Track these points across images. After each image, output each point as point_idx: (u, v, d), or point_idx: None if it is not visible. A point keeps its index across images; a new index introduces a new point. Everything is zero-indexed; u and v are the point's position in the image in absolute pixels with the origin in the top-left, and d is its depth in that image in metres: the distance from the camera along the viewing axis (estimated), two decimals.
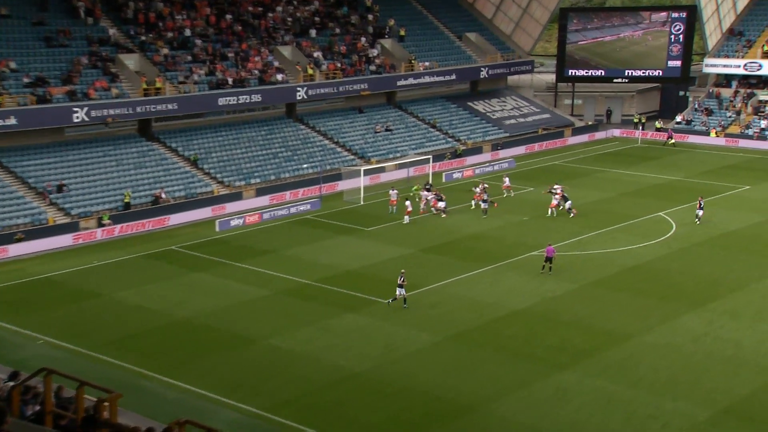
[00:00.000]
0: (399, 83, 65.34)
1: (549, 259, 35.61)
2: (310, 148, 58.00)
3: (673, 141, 67.49)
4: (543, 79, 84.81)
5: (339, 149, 59.57)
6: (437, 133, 66.35)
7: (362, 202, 50.07)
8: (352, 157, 58.91)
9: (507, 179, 50.52)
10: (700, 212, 46.10)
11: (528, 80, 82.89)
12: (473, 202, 46.78)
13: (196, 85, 53.91)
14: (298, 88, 58.17)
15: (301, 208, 47.95)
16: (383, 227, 44.43)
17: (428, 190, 47.36)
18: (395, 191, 47.27)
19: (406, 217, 45.04)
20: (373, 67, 64.85)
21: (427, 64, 68.22)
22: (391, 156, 60.13)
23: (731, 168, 58.38)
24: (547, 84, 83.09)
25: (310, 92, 58.93)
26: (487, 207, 45.93)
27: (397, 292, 31.69)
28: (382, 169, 56.48)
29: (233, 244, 41.38)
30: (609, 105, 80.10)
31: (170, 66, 54.33)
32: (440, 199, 46.31)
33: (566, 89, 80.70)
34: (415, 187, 51.15)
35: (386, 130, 63.77)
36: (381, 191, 52.95)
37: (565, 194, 46.43)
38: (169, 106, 51.35)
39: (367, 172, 53.67)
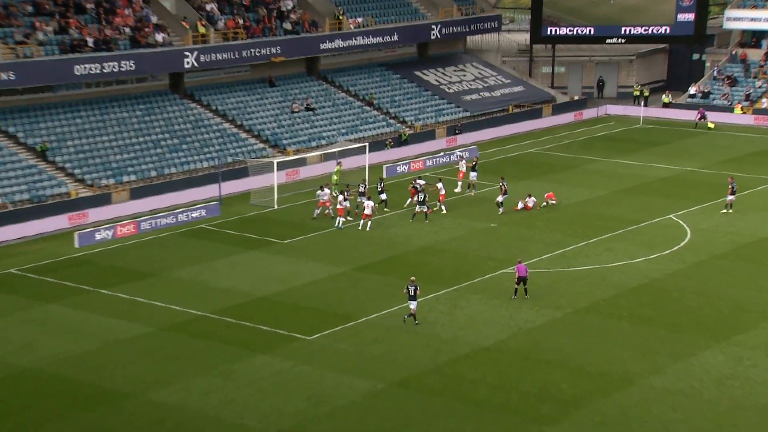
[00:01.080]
0: (323, 46, 65.53)
1: (522, 280, 36.09)
2: (203, 134, 57.74)
3: (707, 122, 68.16)
4: (514, 39, 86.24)
5: (244, 135, 59.42)
6: (375, 112, 66.68)
7: (276, 206, 50.00)
8: (262, 145, 58.84)
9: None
10: (731, 198, 47.85)
11: (494, 42, 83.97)
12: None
13: (42, 47, 52.79)
14: (186, 53, 57.71)
15: (194, 215, 47.64)
16: (306, 238, 44.45)
17: (362, 194, 47.65)
18: (326, 191, 47.41)
19: (340, 219, 45.21)
20: (287, 25, 64.80)
21: (359, 20, 68.51)
22: (314, 144, 60.22)
23: (762, 155, 60.21)
24: (520, 46, 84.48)
25: (202, 58, 58.52)
26: (423, 210, 46.22)
27: (412, 306, 33.49)
28: (302, 162, 56.47)
29: (99, 264, 40.78)
30: (601, 74, 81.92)
31: (2, 20, 52.89)
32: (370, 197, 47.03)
33: (544, 53, 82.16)
34: (336, 173, 51.56)
35: (307, 109, 63.74)
36: (302, 191, 52.82)
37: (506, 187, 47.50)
38: (3, 76, 50.15)
39: (282, 166, 53.60)
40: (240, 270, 40.14)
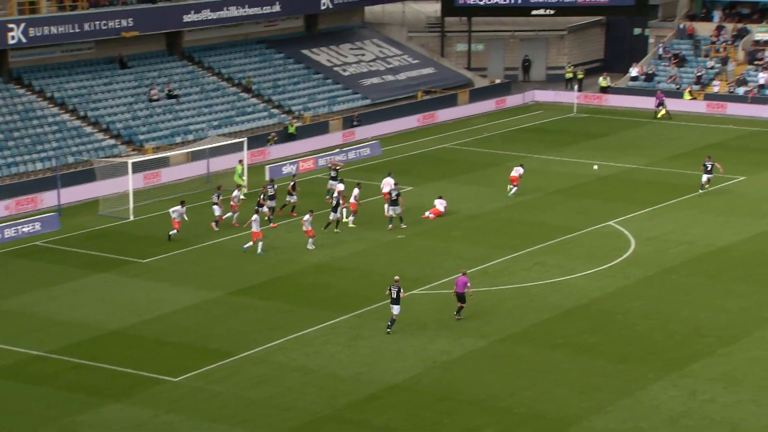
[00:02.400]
0: (186, 18, 65.13)
1: (459, 297, 36.68)
2: (36, 128, 56.70)
3: (665, 111, 69.85)
4: (421, 11, 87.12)
5: (89, 129, 58.56)
6: (254, 100, 66.45)
7: (132, 217, 49.48)
8: (112, 142, 58.08)
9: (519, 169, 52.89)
10: (706, 177, 50.96)
11: (398, 14, 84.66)
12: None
13: None
14: (11, 26, 56.49)
15: (26, 230, 46.75)
16: (170, 257, 44.08)
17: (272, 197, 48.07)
18: (237, 193, 47.93)
19: (172, 233, 45.02)
20: None
21: None
22: (178, 140, 59.72)
23: (717, 148, 61.66)
24: (429, 19, 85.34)
25: (31, 32, 57.42)
26: (339, 218, 46.64)
27: (394, 311, 35.31)
28: (163, 162, 55.90)
29: None
30: (526, 52, 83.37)
31: None
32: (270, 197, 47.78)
33: (459, 28, 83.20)
34: (238, 174, 51.65)
35: (169, 96, 63.16)
36: (166, 198, 52.39)
37: (395, 192, 47.54)
38: None
39: (139, 167, 52.96)
40: (87, 297, 39.46)
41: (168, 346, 35.06)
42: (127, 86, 62.80)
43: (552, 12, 78.53)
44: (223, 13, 66.60)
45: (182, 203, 46.46)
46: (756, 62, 74.83)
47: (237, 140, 55.93)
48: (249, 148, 56.16)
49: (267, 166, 56.73)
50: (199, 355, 34.25)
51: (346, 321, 37.11)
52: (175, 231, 45.56)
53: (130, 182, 50.14)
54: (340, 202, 46.87)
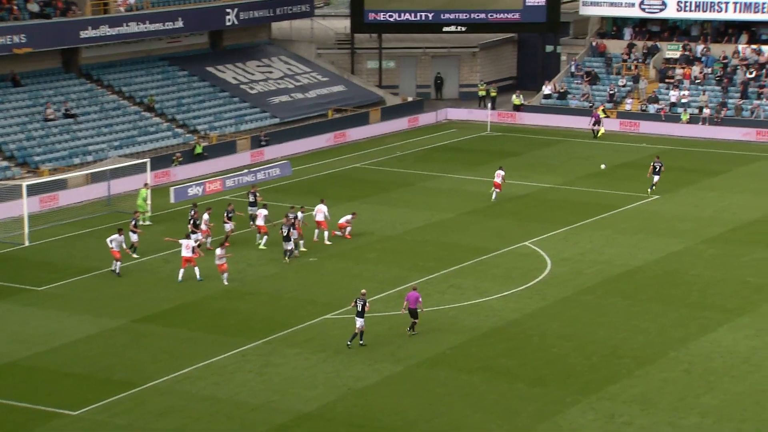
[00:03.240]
0: (84, 34, 64.43)
1: (414, 313, 37.19)
2: None
3: (601, 130, 70.33)
4: (330, 27, 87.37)
5: None
6: (157, 120, 65.88)
7: (27, 242, 48.69)
8: (5, 163, 57.20)
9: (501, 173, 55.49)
10: (657, 178, 54.98)
11: (306, 30, 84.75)
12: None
13: None
14: None
15: None
16: (69, 283, 43.44)
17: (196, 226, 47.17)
18: (206, 216, 47.43)
19: (117, 265, 44.01)
20: (34, 6, 63.29)
21: (131, 0, 67.54)
22: (76, 161, 59.05)
23: (630, 167, 62.95)
24: (338, 36, 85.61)
25: None
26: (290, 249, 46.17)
27: (358, 324, 36.24)
28: (61, 185, 55.11)
29: None
30: (439, 70, 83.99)
31: None
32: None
33: (369, 44, 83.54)
34: (141, 199, 50.88)
35: (66, 115, 62.33)
36: (64, 222, 51.81)
37: (295, 214, 47.00)
38: None
39: (34, 190, 52.07)
40: None
41: (67, 378, 34.41)
42: (20, 105, 61.79)
43: (463, 29, 79.27)
44: (123, 29, 65.93)
45: (119, 231, 44.88)
46: (667, 80, 76.40)
47: (139, 161, 55.35)
48: (152, 169, 55.59)
49: (172, 188, 56.21)
50: (100, 386, 33.67)
51: (256, 348, 36.82)
52: (119, 263, 44.16)
53: (25, 206, 49.25)
54: (293, 228, 45.97)
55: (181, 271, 43.53)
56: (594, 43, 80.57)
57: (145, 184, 52.28)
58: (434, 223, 51.81)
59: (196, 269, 43.54)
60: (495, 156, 65.69)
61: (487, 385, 34.01)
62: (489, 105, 76.19)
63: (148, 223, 50.23)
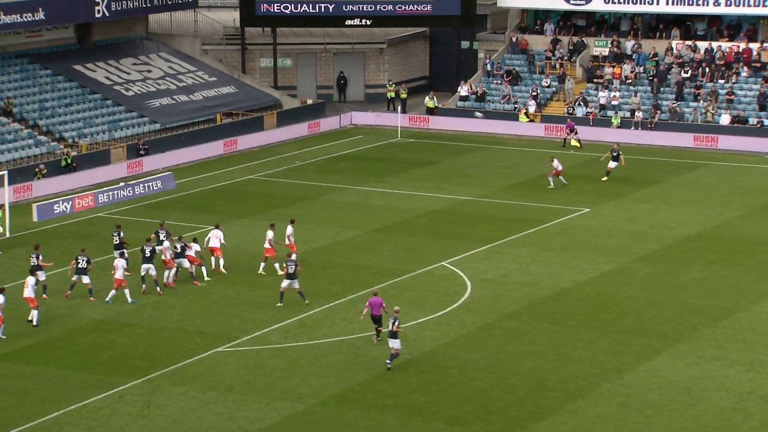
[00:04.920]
0: None
1: (378, 320, 38.71)
2: None
3: (576, 139, 70.14)
4: (217, 20, 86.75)
5: None
6: (16, 125, 64.68)
7: None
8: None
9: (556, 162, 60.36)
10: (613, 164, 60.48)
11: (189, 23, 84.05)
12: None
13: None
14: None
15: None
16: None
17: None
18: (195, 246, 45.83)
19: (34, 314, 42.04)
20: None
21: None
22: None
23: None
24: (227, 30, 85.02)
25: None
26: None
27: (395, 346, 37.27)
28: None
29: None
30: (341, 68, 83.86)
31: None
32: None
33: (262, 40, 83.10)
34: None
35: None
36: None
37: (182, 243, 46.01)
38: None
39: None
40: None
41: None
42: None
43: (368, 22, 79.35)
44: None
45: (33, 272, 42.66)
46: (595, 80, 77.23)
47: None
48: (11, 182, 54.78)
49: (34, 205, 55.34)
50: None
51: (136, 387, 36.16)
52: (35, 311, 41.85)
53: None
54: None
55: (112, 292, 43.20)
56: (514, 39, 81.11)
57: (1, 205, 50.88)
58: (339, 242, 51.61)
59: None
60: (406, 165, 65.84)
61: (400, 424, 33.72)
62: (399, 108, 76.34)
63: None
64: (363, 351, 39.21)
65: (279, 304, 42.74)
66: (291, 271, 42.36)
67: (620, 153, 61.02)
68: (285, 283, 42.62)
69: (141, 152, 64.88)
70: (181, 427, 33.43)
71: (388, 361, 37.39)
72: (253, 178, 63.42)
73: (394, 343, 37.23)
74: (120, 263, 43.53)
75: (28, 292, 41.26)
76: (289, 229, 47.69)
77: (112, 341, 40.15)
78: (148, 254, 44.58)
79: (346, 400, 35.36)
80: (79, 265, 43.50)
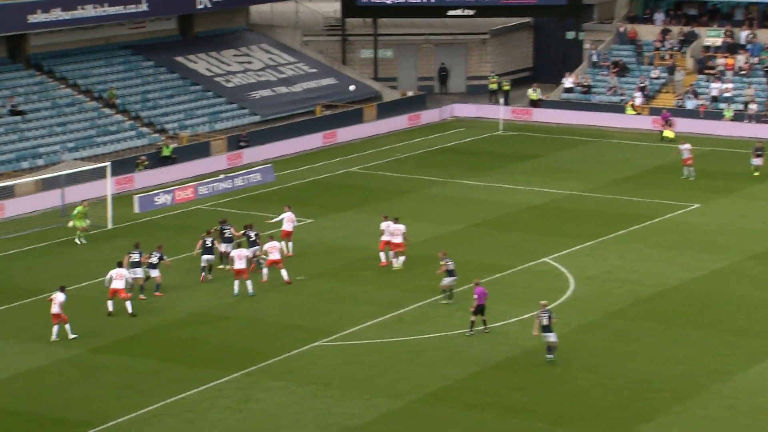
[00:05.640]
0: (32, 18, 64.46)
1: (482, 310, 39.39)
2: None
3: (666, 131, 69.65)
4: (318, 11, 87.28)
5: None
6: (119, 117, 65.82)
7: None
8: None
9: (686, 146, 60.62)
10: (758, 162, 60.49)
11: (290, 14, 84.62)
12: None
13: None
14: None
15: None
16: (13, 307, 43.55)
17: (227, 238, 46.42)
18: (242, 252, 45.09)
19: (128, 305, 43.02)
20: None
21: None
22: (25, 165, 59.14)
23: (665, 171, 62.93)
24: (327, 21, 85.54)
25: None
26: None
27: (551, 339, 37.70)
28: (8, 192, 55.14)
29: None
30: (443, 60, 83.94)
31: None
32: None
33: (363, 30, 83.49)
34: (77, 217, 50.49)
35: (13, 112, 62.41)
36: (8, 236, 51.81)
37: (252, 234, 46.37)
38: None
39: None
40: None
41: (14, 416, 34.18)
42: None
43: (471, 12, 79.25)
44: (78, 13, 65.93)
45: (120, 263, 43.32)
46: (707, 71, 76.36)
47: (98, 165, 55.26)
48: (113, 174, 55.52)
49: (136, 196, 56.14)
50: (52, 427, 33.54)
51: (234, 381, 36.64)
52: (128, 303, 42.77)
53: None
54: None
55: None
56: (622, 29, 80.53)
57: (84, 202, 51.69)
58: (439, 237, 51.65)
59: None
60: (508, 159, 65.71)
61: (500, 423, 33.78)
62: (501, 100, 76.20)
63: (84, 241, 50.23)
64: (462, 348, 39.32)
65: (446, 301, 43.08)
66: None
67: (765, 149, 60.80)
68: (551, 337, 38.37)
69: (242, 144, 65.65)
70: (279, 422, 33.83)
71: (550, 356, 37.73)
72: (352, 171, 63.81)
73: (552, 336, 37.65)
74: (241, 253, 43.96)
75: (119, 284, 41.99)
76: (401, 226, 47.63)
77: (210, 334, 40.77)
78: (209, 245, 45.36)
79: (444, 398, 35.50)
80: (151, 260, 43.84)
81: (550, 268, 47.70)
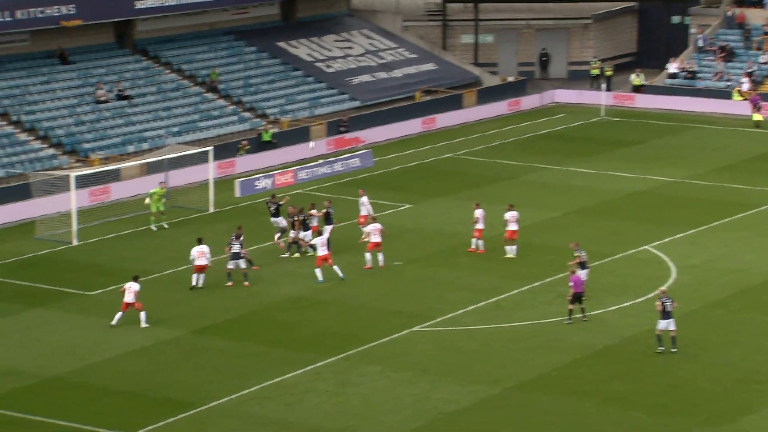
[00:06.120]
0: (139, 5, 65.18)
1: (579, 298, 39.15)
2: None
3: (760, 115, 68.65)
4: None
5: (23, 136, 58.69)
6: (221, 102, 66.45)
7: (75, 241, 49.43)
8: (52, 151, 58.18)
9: None
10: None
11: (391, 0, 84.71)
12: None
13: None
14: None
15: None
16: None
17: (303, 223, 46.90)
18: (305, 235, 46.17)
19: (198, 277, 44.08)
20: None
21: None
22: (131, 149, 59.82)
23: None
24: (428, 6, 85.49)
25: None
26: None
27: (662, 327, 37.16)
28: (113, 175, 55.87)
29: None
30: (544, 45, 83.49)
31: None
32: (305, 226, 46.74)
33: (464, 15, 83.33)
34: (154, 197, 51.00)
35: (120, 97, 63.24)
36: (116, 218, 52.53)
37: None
38: None
39: (84, 182, 52.90)
40: (19, 338, 39.24)
41: (118, 395, 34.77)
42: (69, 85, 62.74)
43: None
44: None
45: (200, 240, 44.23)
46: None
47: (201, 149, 55.86)
48: (215, 158, 56.09)
49: (237, 180, 56.66)
50: (155, 406, 34.00)
51: (332, 364, 36.91)
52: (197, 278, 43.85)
53: (73, 200, 50.00)
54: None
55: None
56: (730, 13, 79.39)
57: (161, 183, 52.17)
58: (537, 223, 51.52)
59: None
60: (610, 145, 65.34)
61: (598, 412, 33.66)
62: (603, 86, 75.57)
63: (160, 226, 50.79)
64: (561, 335, 39.20)
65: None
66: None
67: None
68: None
69: (341, 129, 65.91)
70: (376, 407, 34.02)
71: (674, 349, 37.26)
72: (450, 156, 63.76)
73: (672, 324, 37.24)
74: (324, 240, 44.38)
75: (201, 261, 42.99)
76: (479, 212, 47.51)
77: (309, 318, 41.09)
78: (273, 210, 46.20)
79: (542, 385, 35.44)
80: (233, 250, 44.00)
81: (651, 256, 47.33)
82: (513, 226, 46.90)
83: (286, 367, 36.55)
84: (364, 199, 49.30)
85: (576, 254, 42.15)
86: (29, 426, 32.92)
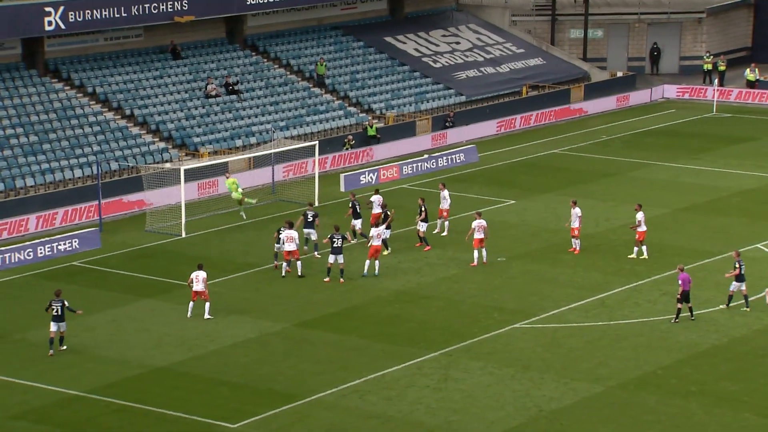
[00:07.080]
0: (250, 0, 65.63)
1: (687, 297, 39.14)
2: (75, 129, 57.59)
3: None
4: None
5: (135, 130, 59.44)
6: (328, 97, 66.80)
7: (184, 234, 50.06)
8: (162, 145, 58.89)
9: None
10: None
11: None
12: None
13: None
14: (48, 9, 57.35)
15: (62, 248, 47.41)
16: (228, 281, 44.55)
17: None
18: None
19: (285, 265, 44.48)
20: None
21: None
22: (239, 143, 60.41)
23: None
24: (537, 1, 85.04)
25: (71, 17, 58.32)
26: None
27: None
28: (222, 169, 56.31)
29: None
30: (655, 39, 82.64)
31: None
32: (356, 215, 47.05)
33: (573, 10, 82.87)
34: (234, 188, 51.45)
35: (229, 91, 63.82)
36: (223, 211, 53.11)
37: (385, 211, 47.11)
38: None
39: (192, 175, 53.60)
40: (129, 328, 39.87)
41: (224, 386, 35.24)
42: (180, 80, 63.52)
43: None
44: None
45: (290, 224, 44.55)
46: None
47: (307, 144, 56.25)
48: (321, 152, 56.41)
49: (342, 175, 56.99)
50: (260, 397, 34.41)
51: (434, 359, 37.01)
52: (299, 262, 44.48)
53: (182, 193, 50.65)
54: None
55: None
56: None
57: (227, 174, 52.54)
58: (645, 220, 50.89)
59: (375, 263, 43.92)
60: (721, 142, 64.52)
61: (706, 413, 33.33)
62: (716, 81, 74.66)
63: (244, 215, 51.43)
64: (666, 334, 38.86)
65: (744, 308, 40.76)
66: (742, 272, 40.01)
67: None
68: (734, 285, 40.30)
69: (447, 124, 65.89)
70: (477, 402, 34.04)
71: (746, 308, 39.30)
72: (556, 152, 63.45)
73: (743, 285, 39.87)
74: (379, 231, 44.42)
75: (290, 247, 43.39)
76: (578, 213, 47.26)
77: (411, 313, 41.19)
78: (311, 219, 45.82)
79: (646, 384, 35.17)
80: (334, 244, 43.82)
81: (763, 254, 46.74)
82: (644, 227, 46.24)
83: (388, 362, 36.75)
84: (445, 193, 49.34)
85: (736, 266, 40.74)
86: (137, 414, 33.48)
